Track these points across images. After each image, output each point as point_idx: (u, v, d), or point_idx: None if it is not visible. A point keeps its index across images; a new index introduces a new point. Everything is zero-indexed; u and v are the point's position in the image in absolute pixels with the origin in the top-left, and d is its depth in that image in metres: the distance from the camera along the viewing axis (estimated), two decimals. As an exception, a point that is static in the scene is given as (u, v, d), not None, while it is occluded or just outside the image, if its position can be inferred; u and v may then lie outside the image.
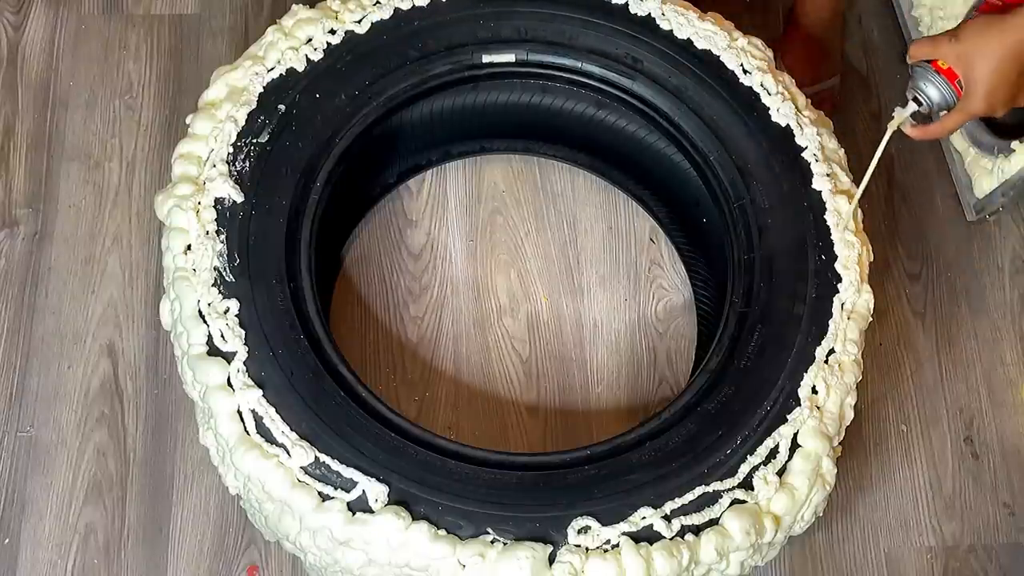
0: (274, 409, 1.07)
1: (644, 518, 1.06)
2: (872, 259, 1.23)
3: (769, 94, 1.28)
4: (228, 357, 1.10)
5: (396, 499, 1.05)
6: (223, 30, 1.58)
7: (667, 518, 1.06)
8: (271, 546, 1.29)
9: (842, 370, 1.16)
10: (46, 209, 1.45)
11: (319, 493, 1.05)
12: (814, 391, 1.14)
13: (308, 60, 1.25)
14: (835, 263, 1.20)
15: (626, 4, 1.31)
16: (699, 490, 1.08)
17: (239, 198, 1.17)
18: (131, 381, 1.36)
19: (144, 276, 1.42)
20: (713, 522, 1.07)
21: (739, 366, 1.16)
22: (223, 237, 1.15)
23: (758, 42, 1.33)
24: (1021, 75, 1.08)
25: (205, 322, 1.11)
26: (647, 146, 1.40)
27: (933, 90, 1.11)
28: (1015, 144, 1.43)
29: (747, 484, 1.09)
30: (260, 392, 1.08)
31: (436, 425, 1.35)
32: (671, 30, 1.31)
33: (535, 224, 1.48)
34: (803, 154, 1.26)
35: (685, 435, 1.12)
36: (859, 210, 1.25)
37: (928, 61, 1.11)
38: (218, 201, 1.17)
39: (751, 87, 1.29)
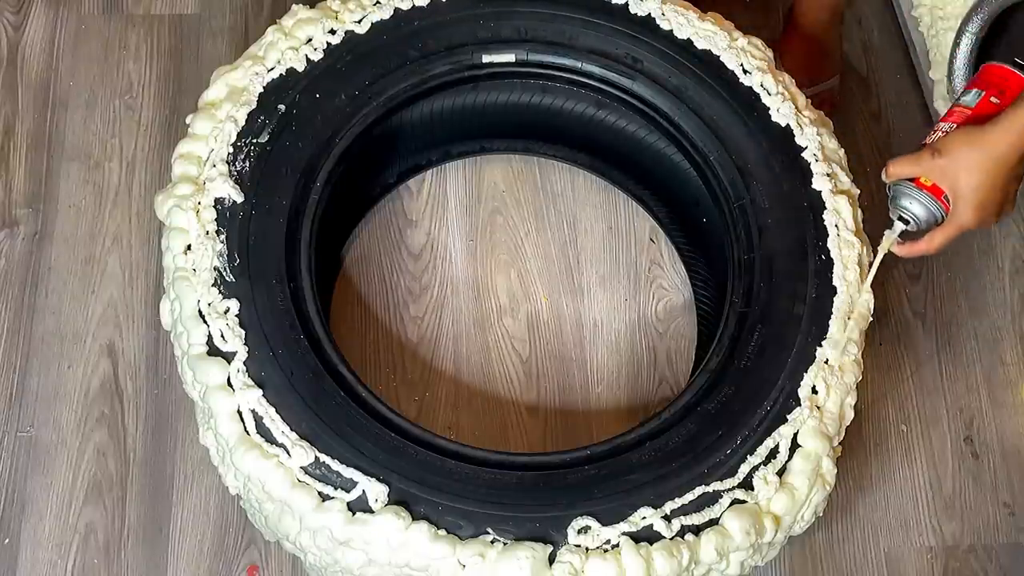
0: (274, 409, 1.07)
1: (644, 518, 1.06)
2: (872, 259, 1.23)
3: (769, 94, 1.28)
4: (228, 357, 1.10)
5: (396, 499, 1.05)
6: (223, 30, 1.59)
7: (667, 518, 1.06)
8: (271, 546, 1.29)
9: (842, 370, 1.16)
10: (46, 209, 1.45)
11: (319, 493, 1.05)
12: (814, 391, 1.14)
13: (308, 60, 1.25)
14: (835, 263, 1.20)
15: (626, 4, 1.31)
16: (699, 490, 1.08)
17: (239, 198, 1.17)
18: (131, 381, 1.36)
19: (144, 276, 1.42)
20: (713, 522, 1.07)
21: (739, 366, 1.16)
22: (223, 237, 1.15)
23: (758, 42, 1.33)
24: (1008, 185, 1.09)
25: (205, 322, 1.11)
26: (647, 146, 1.40)
27: (919, 207, 1.11)
28: (1015, 144, 1.42)
29: (747, 484, 1.09)
30: (260, 392, 1.08)
31: (436, 425, 1.35)
32: (671, 30, 1.31)
33: (535, 224, 1.48)
34: (803, 154, 1.26)
35: (685, 435, 1.12)
36: (859, 210, 1.25)
37: (910, 179, 1.12)
38: (218, 201, 1.17)
39: (751, 87, 1.29)
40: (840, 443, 1.16)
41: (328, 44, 1.26)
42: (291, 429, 1.07)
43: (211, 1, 1.60)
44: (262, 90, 1.23)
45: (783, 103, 1.28)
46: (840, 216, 1.22)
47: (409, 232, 1.47)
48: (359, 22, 1.28)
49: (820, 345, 1.16)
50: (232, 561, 1.28)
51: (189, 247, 1.14)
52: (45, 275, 1.41)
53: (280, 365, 1.10)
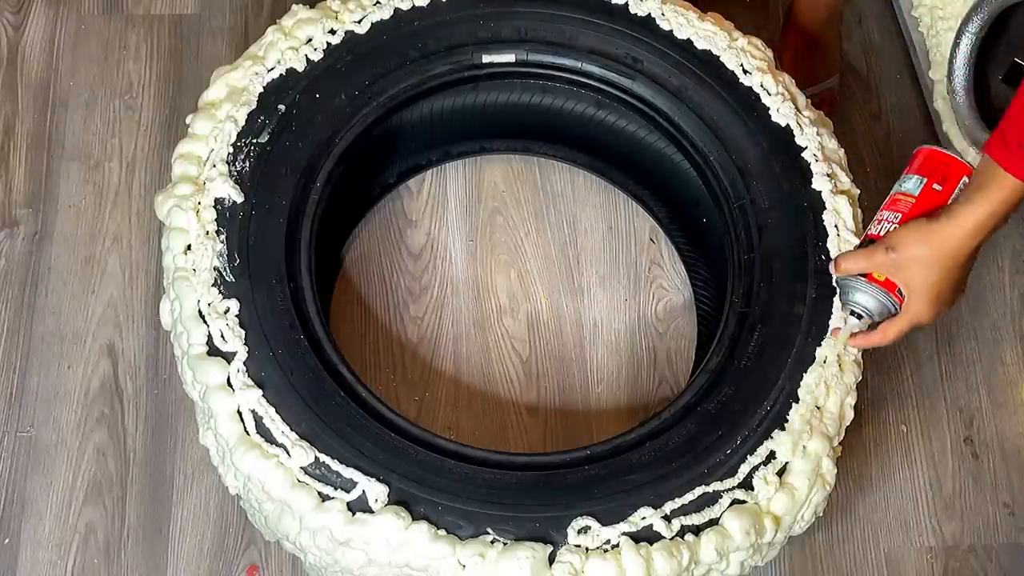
0: (274, 409, 1.07)
1: (644, 518, 1.06)
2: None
3: (769, 94, 1.28)
4: (228, 357, 1.09)
5: (396, 499, 1.05)
6: (223, 30, 1.59)
7: (667, 518, 1.06)
8: (271, 546, 1.29)
9: (842, 370, 1.16)
10: (46, 209, 1.45)
11: (319, 493, 1.05)
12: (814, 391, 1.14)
13: (308, 60, 1.25)
14: (835, 263, 1.20)
15: (626, 4, 1.31)
16: (699, 490, 1.08)
17: (239, 198, 1.17)
18: (131, 381, 1.36)
19: (144, 276, 1.42)
20: (713, 522, 1.07)
21: (739, 366, 1.16)
22: (223, 237, 1.15)
23: (758, 42, 1.33)
24: (960, 277, 1.09)
25: (205, 322, 1.11)
26: (647, 146, 1.40)
27: (873, 303, 1.11)
28: (1015, 144, 1.42)
29: (747, 484, 1.09)
30: (260, 392, 1.08)
31: (436, 425, 1.35)
32: (671, 30, 1.31)
33: (535, 224, 1.48)
34: (803, 154, 1.26)
35: (685, 435, 1.12)
36: (859, 210, 1.25)
37: (862, 274, 1.11)
38: (218, 201, 1.17)
39: (751, 87, 1.29)
40: (840, 443, 1.16)
41: (328, 44, 1.26)
42: (291, 429, 1.07)
43: (211, 1, 1.60)
44: (262, 90, 1.23)
45: (783, 103, 1.28)
46: (840, 216, 1.22)
47: (409, 232, 1.47)
48: (359, 22, 1.28)
49: (820, 345, 1.16)
50: (232, 561, 1.28)
51: (189, 247, 1.14)
52: (45, 275, 1.41)
53: (280, 365, 1.10)
